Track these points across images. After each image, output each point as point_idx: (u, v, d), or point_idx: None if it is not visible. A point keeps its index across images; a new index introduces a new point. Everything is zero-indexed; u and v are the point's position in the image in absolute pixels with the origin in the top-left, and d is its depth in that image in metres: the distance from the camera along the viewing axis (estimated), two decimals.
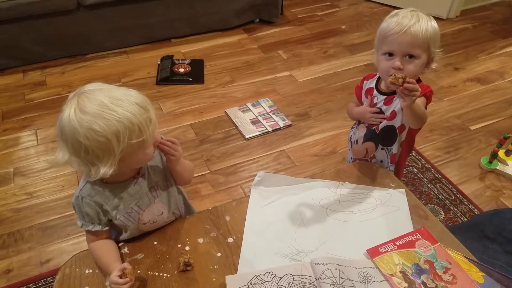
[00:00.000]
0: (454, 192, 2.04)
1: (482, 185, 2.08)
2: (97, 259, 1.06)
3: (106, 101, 0.89)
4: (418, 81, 1.28)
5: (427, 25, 1.16)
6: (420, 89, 1.08)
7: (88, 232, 1.06)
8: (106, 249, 1.06)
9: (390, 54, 1.21)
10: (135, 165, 1.03)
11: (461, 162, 2.21)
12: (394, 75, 1.06)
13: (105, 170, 0.91)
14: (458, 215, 1.94)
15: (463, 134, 2.38)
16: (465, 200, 2.00)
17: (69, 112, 0.92)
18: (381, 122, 1.32)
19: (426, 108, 1.24)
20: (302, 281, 0.99)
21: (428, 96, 1.23)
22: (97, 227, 1.04)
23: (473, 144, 2.32)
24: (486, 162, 2.16)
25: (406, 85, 1.05)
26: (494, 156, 2.13)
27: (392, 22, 1.18)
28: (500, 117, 2.50)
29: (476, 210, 1.95)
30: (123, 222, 1.07)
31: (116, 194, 1.04)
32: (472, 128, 2.42)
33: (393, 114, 1.29)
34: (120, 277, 0.94)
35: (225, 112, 2.49)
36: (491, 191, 2.05)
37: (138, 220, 1.09)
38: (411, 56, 1.18)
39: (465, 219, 1.91)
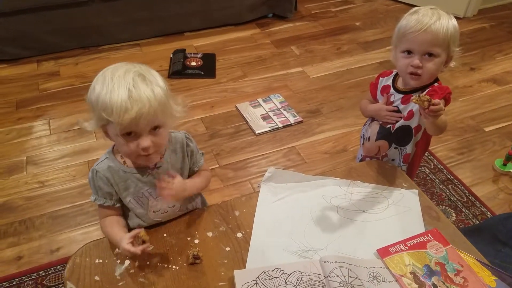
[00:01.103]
0: (467, 194, 2.01)
1: (495, 188, 2.05)
2: (107, 233, 1.07)
3: (129, 78, 0.91)
4: (436, 80, 1.26)
5: (447, 24, 1.14)
6: (444, 108, 1.06)
7: (100, 206, 1.08)
8: (117, 224, 1.09)
9: (409, 52, 1.19)
10: (127, 154, 1.01)
11: (475, 164, 2.18)
12: (419, 96, 1.04)
13: (88, 125, 0.97)
14: (470, 217, 1.91)
15: (477, 136, 2.35)
16: (477, 202, 1.98)
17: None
18: (397, 122, 1.30)
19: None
20: (310, 279, 0.98)
21: (447, 98, 1.20)
22: (109, 202, 1.07)
23: (487, 146, 2.28)
24: (500, 165, 2.12)
25: (432, 107, 1.03)
26: (508, 158, 2.09)
27: (412, 19, 1.16)
28: None
29: (488, 213, 1.93)
30: (133, 205, 1.09)
31: (130, 177, 1.06)
32: (487, 129, 2.39)
33: (410, 114, 1.27)
34: (132, 244, 0.97)
35: (236, 107, 2.48)
36: (504, 194, 2.02)
37: (148, 206, 1.10)
38: (431, 55, 1.17)
39: (477, 222, 1.89)
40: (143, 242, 0.98)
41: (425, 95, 1.05)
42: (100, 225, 1.11)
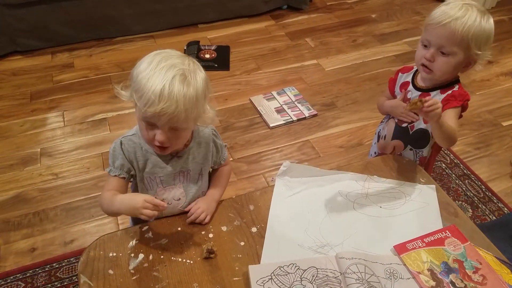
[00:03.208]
0: (483, 190, 1.98)
1: None
2: (114, 198, 1.05)
3: (173, 71, 0.92)
4: (457, 82, 1.23)
5: (473, 22, 1.09)
6: (438, 100, 1.04)
7: (111, 178, 1.09)
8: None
9: (426, 44, 1.16)
10: (144, 138, 1.04)
11: (492, 159, 2.15)
12: (409, 102, 1.04)
13: (123, 94, 1.00)
14: (487, 213, 1.88)
15: (495, 130, 2.31)
16: (494, 198, 1.94)
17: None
18: (411, 122, 1.27)
19: (461, 116, 1.19)
20: (326, 275, 0.97)
21: (465, 105, 1.18)
22: (124, 174, 1.08)
23: (505, 141, 2.25)
24: None
25: (426, 104, 1.01)
26: None
27: (439, 10, 1.13)
28: None
29: (505, 208, 1.90)
30: (144, 186, 1.11)
31: (150, 157, 1.08)
32: (504, 124, 2.35)
33: None
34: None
35: (250, 99, 2.47)
36: None
37: (156, 193, 1.11)
38: (443, 53, 1.13)
39: (494, 218, 1.86)
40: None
41: (414, 99, 1.04)
42: (101, 196, 1.09)
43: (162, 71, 0.91)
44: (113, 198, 1.05)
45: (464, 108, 1.19)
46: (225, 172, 1.24)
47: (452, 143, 1.18)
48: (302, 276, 0.97)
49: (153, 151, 1.07)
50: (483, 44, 1.13)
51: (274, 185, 1.23)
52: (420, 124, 1.28)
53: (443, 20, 1.10)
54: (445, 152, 2.14)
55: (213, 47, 2.88)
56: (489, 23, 1.12)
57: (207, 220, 1.10)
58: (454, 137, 1.15)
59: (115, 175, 1.08)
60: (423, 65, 1.19)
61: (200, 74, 0.97)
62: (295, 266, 0.99)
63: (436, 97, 1.21)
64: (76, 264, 1.65)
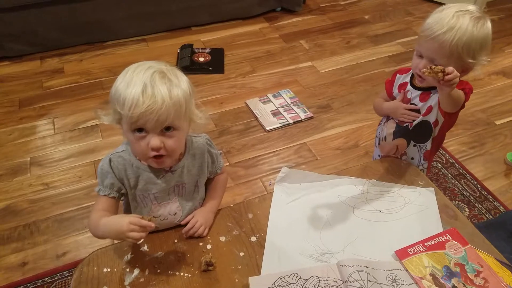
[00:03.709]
0: (479, 189, 1.99)
1: (508, 182, 2.03)
2: (102, 220, 0.97)
3: (148, 73, 0.90)
4: None
5: (463, 33, 1.07)
6: (458, 74, 1.02)
7: (100, 198, 1.04)
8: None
9: (420, 54, 1.17)
10: (139, 154, 1.00)
11: (486, 158, 2.16)
12: (431, 67, 1.01)
13: (105, 118, 0.97)
14: (483, 212, 1.89)
15: (488, 129, 2.32)
16: (490, 197, 1.95)
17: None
18: (413, 120, 1.27)
19: (463, 106, 1.19)
20: (328, 284, 0.97)
21: (466, 92, 1.17)
22: (114, 194, 1.03)
23: (499, 139, 2.26)
24: (511, 158, 2.09)
25: (447, 77, 1.00)
26: None
27: (431, 21, 1.12)
28: None
29: (501, 207, 1.91)
30: (140, 200, 1.07)
31: (142, 173, 1.04)
32: (498, 123, 2.36)
33: (429, 109, 1.24)
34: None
35: (245, 103, 2.46)
36: None
37: (150, 210, 1.08)
38: (437, 64, 1.12)
39: (490, 216, 1.87)
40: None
41: (437, 66, 1.02)
42: (92, 216, 1.01)
43: (139, 74, 0.90)
44: (98, 222, 0.98)
45: (466, 95, 1.18)
46: (222, 180, 1.21)
47: (457, 107, 1.19)
48: (304, 286, 0.96)
49: (145, 167, 1.03)
50: (477, 52, 1.12)
51: (272, 191, 1.22)
52: (419, 118, 1.28)
53: (432, 34, 1.09)
54: (441, 152, 2.15)
55: (207, 50, 2.87)
56: (483, 29, 1.10)
57: (205, 233, 1.08)
58: (460, 100, 1.15)
59: (105, 195, 1.03)
60: (417, 74, 1.20)
61: (179, 73, 0.95)
62: (297, 276, 0.98)
63: (435, 96, 1.22)
64: (69, 277, 1.60)
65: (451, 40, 1.08)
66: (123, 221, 0.91)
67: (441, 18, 1.10)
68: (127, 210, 1.12)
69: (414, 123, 1.28)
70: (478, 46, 1.11)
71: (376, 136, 1.46)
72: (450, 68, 1.00)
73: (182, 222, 1.09)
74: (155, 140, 0.92)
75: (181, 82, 0.93)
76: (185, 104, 0.93)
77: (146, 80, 0.88)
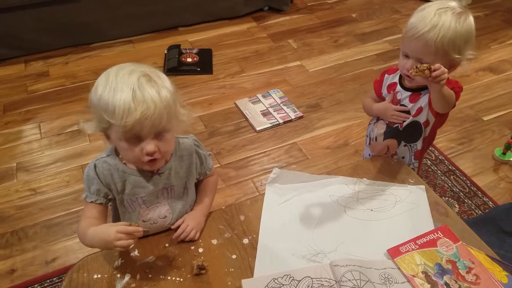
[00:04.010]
0: (468, 184, 2.01)
1: (496, 177, 2.05)
2: (90, 230, 0.96)
3: (134, 78, 0.88)
4: None
5: (447, 30, 1.08)
6: (445, 70, 1.03)
7: (88, 205, 1.02)
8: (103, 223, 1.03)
9: (406, 54, 1.17)
10: (131, 160, 0.99)
11: (475, 154, 2.18)
12: (417, 67, 1.02)
13: (88, 127, 0.94)
14: (473, 208, 1.91)
15: (476, 125, 2.34)
16: (479, 192, 1.97)
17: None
18: (404, 121, 1.28)
19: (454, 105, 1.20)
20: (321, 284, 0.97)
21: (456, 91, 1.18)
22: (101, 200, 1.02)
23: (487, 135, 2.28)
24: (500, 154, 2.12)
25: (434, 73, 1.01)
26: (508, 147, 2.10)
27: (414, 21, 1.12)
28: None
29: (490, 202, 1.92)
30: (125, 208, 1.06)
31: (128, 178, 1.02)
32: (485, 118, 2.38)
33: (419, 110, 1.25)
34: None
35: (235, 103, 2.45)
36: (505, 183, 2.02)
37: (139, 214, 1.07)
38: (424, 63, 1.13)
39: (480, 212, 1.89)
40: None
41: (423, 64, 1.02)
42: (81, 223, 1.00)
43: (124, 79, 0.87)
44: (86, 231, 0.96)
45: (456, 94, 1.18)
46: (212, 182, 1.20)
47: (450, 108, 1.18)
48: (297, 287, 0.96)
49: (131, 171, 1.02)
50: (462, 47, 1.12)
51: (264, 192, 1.22)
52: (410, 118, 1.28)
53: (416, 33, 1.10)
54: (430, 149, 2.17)
55: (194, 51, 2.85)
56: (466, 24, 1.11)
57: (197, 237, 1.07)
58: (451, 100, 1.15)
59: (92, 201, 1.02)
60: (405, 75, 1.19)
61: (159, 72, 0.93)
62: (290, 277, 0.98)
63: (425, 97, 1.22)
64: (59, 284, 1.58)
65: (435, 38, 1.08)
66: (110, 231, 0.90)
67: (423, 16, 1.10)
68: (115, 216, 1.11)
69: (405, 124, 1.28)
70: (462, 41, 1.11)
71: (367, 136, 1.46)
72: (437, 65, 1.01)
73: (173, 227, 1.07)
74: (150, 146, 0.91)
75: (165, 83, 0.92)
76: (172, 102, 0.93)
77: (134, 85, 0.86)
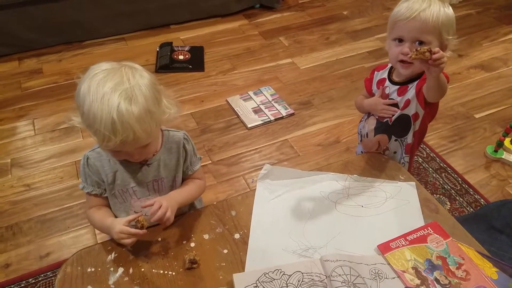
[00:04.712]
0: (460, 182, 2.02)
1: (488, 175, 2.06)
2: (95, 220, 1.08)
3: (117, 97, 0.87)
4: None
5: (438, 11, 1.12)
6: (444, 53, 1.04)
7: (88, 195, 1.08)
8: (106, 212, 1.09)
9: (400, 40, 1.18)
10: (118, 160, 1.04)
11: (466, 151, 2.18)
12: (417, 50, 1.02)
13: (77, 122, 0.96)
14: (464, 205, 1.91)
15: (468, 123, 2.35)
16: (471, 190, 1.98)
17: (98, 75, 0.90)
18: (393, 115, 1.28)
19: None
20: (312, 279, 0.97)
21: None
22: (97, 191, 1.07)
23: (478, 133, 2.29)
24: (491, 151, 2.13)
25: (435, 56, 1.01)
26: (499, 145, 2.10)
27: (403, 7, 1.15)
28: (505, 105, 2.47)
29: (482, 200, 1.93)
30: (116, 199, 1.08)
31: (119, 168, 1.05)
32: (477, 116, 2.39)
33: (407, 102, 1.25)
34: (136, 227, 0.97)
35: (227, 100, 2.45)
36: (496, 180, 2.03)
37: (130, 205, 1.09)
38: (421, 43, 1.15)
39: (471, 209, 1.89)
40: (141, 228, 0.98)
41: (423, 48, 1.02)
42: (86, 215, 1.12)
43: (104, 101, 0.86)
44: (94, 221, 1.09)
45: None
46: (197, 182, 1.17)
47: (443, 95, 1.19)
48: (288, 282, 0.96)
49: (121, 162, 1.04)
50: (451, 29, 1.17)
51: (255, 188, 1.21)
52: (398, 112, 1.28)
53: (412, 14, 1.12)
54: (422, 146, 2.17)
55: (186, 48, 2.84)
56: (450, 9, 1.16)
57: (172, 219, 1.03)
58: (445, 87, 1.16)
59: (88, 192, 1.07)
60: (401, 61, 1.19)
61: (143, 81, 0.91)
62: (280, 272, 0.98)
63: (412, 89, 1.23)
64: (53, 278, 1.59)
65: (431, 16, 1.12)
66: (112, 231, 0.99)
67: (413, 2, 1.14)
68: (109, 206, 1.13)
69: (394, 117, 1.28)
70: (451, 24, 1.16)
71: (358, 133, 1.46)
72: (436, 48, 1.02)
73: (143, 206, 1.03)
74: (133, 157, 0.98)
75: (145, 94, 0.90)
76: (153, 116, 0.92)
77: (113, 112, 0.85)
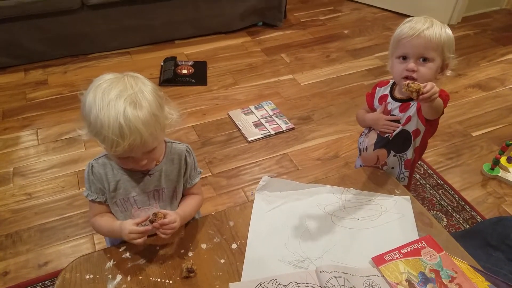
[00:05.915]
0: (457, 199, 2.03)
1: (484, 192, 2.07)
2: (102, 226, 1.09)
3: (123, 104, 0.90)
4: None
5: (440, 30, 1.18)
6: (438, 89, 1.07)
7: (92, 202, 1.09)
8: (112, 217, 1.10)
9: (404, 58, 1.22)
10: (126, 168, 1.06)
11: (463, 169, 2.20)
12: (408, 84, 1.05)
13: (84, 134, 0.97)
14: (461, 221, 1.93)
15: (465, 140, 2.38)
16: (467, 206, 2.00)
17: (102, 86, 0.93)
18: (394, 131, 1.31)
19: (443, 113, 1.24)
20: None
21: (444, 99, 1.22)
22: (101, 198, 1.08)
23: (475, 151, 2.31)
24: (488, 169, 2.15)
25: (421, 96, 1.04)
26: (496, 163, 2.12)
27: (406, 27, 1.20)
28: (502, 123, 2.50)
29: (478, 217, 1.95)
30: (118, 207, 1.09)
31: (121, 177, 1.07)
32: (474, 134, 2.42)
33: (408, 119, 1.28)
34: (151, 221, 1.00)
35: (228, 114, 2.48)
36: (493, 198, 2.04)
37: (131, 214, 1.10)
38: (425, 59, 1.19)
39: (468, 226, 1.90)
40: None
41: (414, 83, 1.05)
42: (91, 223, 1.12)
43: (111, 107, 0.89)
44: (100, 228, 1.09)
45: (444, 102, 1.22)
46: (196, 197, 1.18)
47: (438, 114, 1.24)
48: None
49: (124, 171, 1.06)
50: (451, 48, 1.22)
51: (253, 200, 1.24)
52: (399, 128, 1.31)
53: (416, 32, 1.17)
54: (419, 163, 2.20)
55: (190, 63, 2.89)
56: (449, 30, 1.21)
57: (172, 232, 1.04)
58: (441, 108, 1.20)
59: (92, 199, 1.08)
60: (406, 77, 1.21)
61: (146, 88, 0.94)
62: (276, 282, 0.99)
63: (414, 106, 1.26)
64: (51, 287, 1.60)
65: (434, 34, 1.17)
66: (123, 232, 1.00)
67: (415, 22, 1.19)
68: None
69: (394, 133, 1.31)
70: (451, 43, 1.21)
71: (358, 147, 1.49)
72: (428, 86, 1.05)
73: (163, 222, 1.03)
74: (142, 163, 0.99)
75: (149, 100, 0.93)
76: (158, 120, 0.95)
77: (120, 117, 0.88)
